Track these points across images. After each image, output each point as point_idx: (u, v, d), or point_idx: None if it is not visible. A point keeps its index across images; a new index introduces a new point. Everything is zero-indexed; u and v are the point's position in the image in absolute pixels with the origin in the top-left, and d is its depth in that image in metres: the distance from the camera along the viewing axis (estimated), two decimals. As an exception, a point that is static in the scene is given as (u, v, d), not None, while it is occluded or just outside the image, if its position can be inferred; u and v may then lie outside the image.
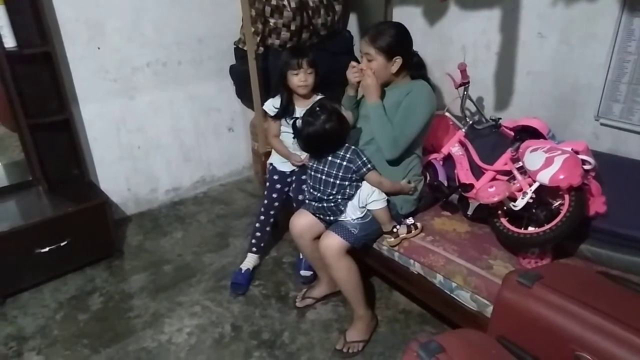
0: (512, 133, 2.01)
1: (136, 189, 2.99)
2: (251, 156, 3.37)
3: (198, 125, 3.13)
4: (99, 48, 2.57)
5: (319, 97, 2.20)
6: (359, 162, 1.81)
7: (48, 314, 2.17)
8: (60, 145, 2.51)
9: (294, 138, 1.91)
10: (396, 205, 1.96)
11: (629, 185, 1.74)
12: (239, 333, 2.04)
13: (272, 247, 2.60)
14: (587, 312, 1.16)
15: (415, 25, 2.58)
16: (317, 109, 1.79)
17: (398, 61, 1.90)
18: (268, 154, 2.44)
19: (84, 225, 2.38)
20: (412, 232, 1.92)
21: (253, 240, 2.38)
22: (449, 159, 2.18)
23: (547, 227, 1.62)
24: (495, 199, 1.73)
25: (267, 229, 2.38)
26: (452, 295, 1.74)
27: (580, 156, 1.67)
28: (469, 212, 1.96)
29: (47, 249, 2.26)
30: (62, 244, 2.30)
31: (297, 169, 2.27)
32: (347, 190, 1.84)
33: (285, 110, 2.21)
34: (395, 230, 1.90)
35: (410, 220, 1.95)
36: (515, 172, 1.84)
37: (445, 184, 2.10)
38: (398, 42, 1.89)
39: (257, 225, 2.37)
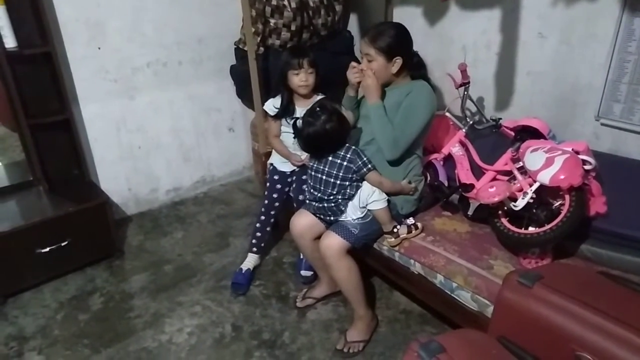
0: (512, 133, 2.01)
1: (136, 189, 2.99)
2: (251, 156, 3.37)
3: (198, 126, 3.13)
4: (99, 48, 2.57)
5: (320, 97, 2.20)
6: (360, 162, 1.81)
7: (49, 314, 2.17)
8: (60, 145, 2.52)
9: (294, 138, 1.91)
10: (397, 205, 1.96)
11: (630, 186, 1.74)
12: (240, 333, 2.04)
13: (273, 247, 2.60)
14: (588, 312, 1.16)
15: (416, 25, 2.58)
16: (318, 109, 1.79)
17: (398, 61, 1.90)
18: (268, 154, 2.44)
19: (85, 225, 2.38)
20: (413, 232, 1.92)
21: (253, 241, 2.38)
22: (449, 159, 2.18)
23: (547, 227, 1.62)
24: (496, 199, 1.73)
25: (268, 229, 2.38)
26: (452, 295, 1.74)
27: (581, 156, 1.67)
28: (470, 212, 1.96)
29: (47, 249, 2.26)
30: (62, 244, 2.30)
31: (297, 169, 2.27)
32: (348, 191, 1.84)
33: (286, 110, 2.21)
34: (395, 230, 1.90)
35: (410, 221, 1.95)
36: (516, 172, 1.84)
37: (446, 184, 2.10)
38: (398, 43, 1.89)
39: (258, 225, 2.37)
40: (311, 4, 2.68)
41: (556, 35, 2.07)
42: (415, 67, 2.01)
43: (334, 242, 1.81)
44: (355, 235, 1.83)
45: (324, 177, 1.85)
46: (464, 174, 2.07)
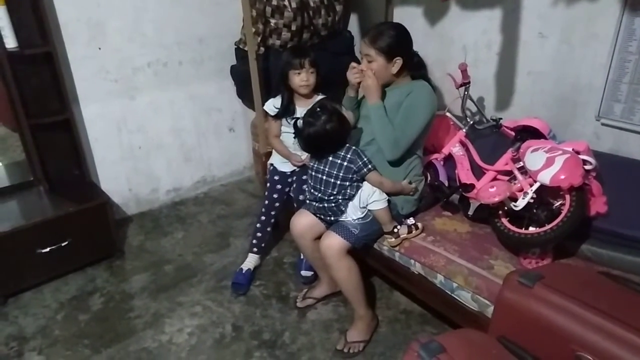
0: (512, 133, 2.01)
1: (137, 189, 2.99)
2: (252, 156, 3.37)
3: (199, 126, 3.13)
4: (99, 48, 2.57)
5: (320, 97, 2.20)
6: (360, 163, 1.81)
7: (49, 314, 2.17)
8: (61, 145, 2.52)
9: (294, 138, 1.91)
10: (397, 205, 1.96)
11: (630, 186, 1.74)
12: (240, 333, 2.04)
13: (273, 247, 2.60)
14: (588, 313, 1.16)
15: (416, 25, 2.58)
16: (318, 109, 1.79)
17: (398, 62, 1.89)
18: (269, 155, 2.44)
19: (85, 225, 2.38)
20: (413, 232, 1.92)
21: (254, 241, 2.38)
22: (449, 159, 2.17)
23: (548, 227, 1.62)
24: (496, 199, 1.73)
25: (268, 229, 2.38)
26: (453, 295, 1.74)
27: (581, 156, 1.67)
28: (470, 212, 1.96)
29: (48, 249, 2.26)
30: (63, 244, 2.30)
31: (297, 169, 2.27)
32: (348, 191, 1.84)
33: (286, 110, 2.21)
34: (396, 230, 1.90)
35: (411, 221, 1.95)
36: (516, 172, 1.84)
37: (446, 184, 2.10)
38: (398, 43, 1.88)
39: (258, 225, 2.37)
40: (311, 4, 2.68)
41: (557, 35, 2.07)
42: (415, 67, 2.01)
43: (334, 242, 1.81)
44: (355, 235, 1.83)
45: (324, 178, 1.85)
46: (465, 174, 2.07)
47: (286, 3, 2.59)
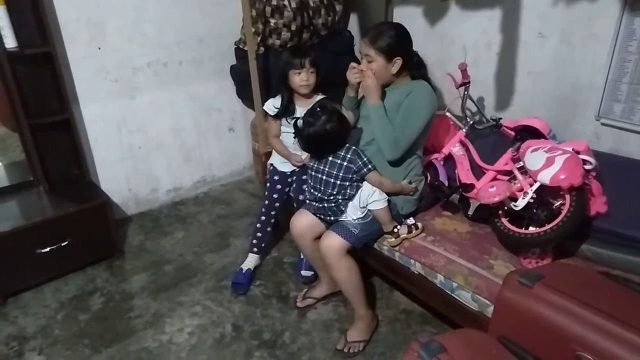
0: (512, 133, 2.01)
1: (137, 189, 2.99)
2: (252, 156, 3.37)
3: (199, 126, 3.13)
4: (99, 48, 2.57)
5: (320, 97, 2.20)
6: (360, 163, 1.81)
7: (49, 314, 2.17)
8: (61, 145, 2.52)
9: (294, 138, 1.91)
10: (397, 205, 1.96)
11: (630, 186, 1.74)
12: (240, 333, 2.04)
13: (273, 247, 2.60)
14: (588, 312, 1.16)
15: (416, 25, 2.58)
16: (318, 109, 1.79)
17: (398, 62, 1.89)
18: (269, 154, 2.44)
19: (85, 225, 2.38)
20: (413, 232, 1.92)
21: (254, 241, 2.38)
22: (449, 159, 2.18)
23: (548, 227, 1.62)
24: (496, 199, 1.73)
25: (268, 229, 2.38)
26: (453, 295, 1.74)
27: (581, 156, 1.67)
28: (470, 212, 1.96)
29: (48, 249, 2.26)
30: (63, 244, 2.30)
31: (297, 169, 2.27)
32: (348, 191, 1.84)
33: (286, 110, 2.21)
34: (396, 230, 1.90)
35: (411, 221, 1.95)
36: (516, 172, 1.84)
37: (446, 184, 2.10)
38: (398, 43, 1.88)
39: (258, 225, 2.37)
40: (311, 3, 2.68)
41: (557, 35, 2.07)
42: (415, 67, 2.01)
43: (334, 242, 1.81)
44: (355, 235, 1.83)
45: (324, 177, 1.85)
46: (464, 174, 2.07)
47: (286, 3, 2.59)
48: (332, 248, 1.81)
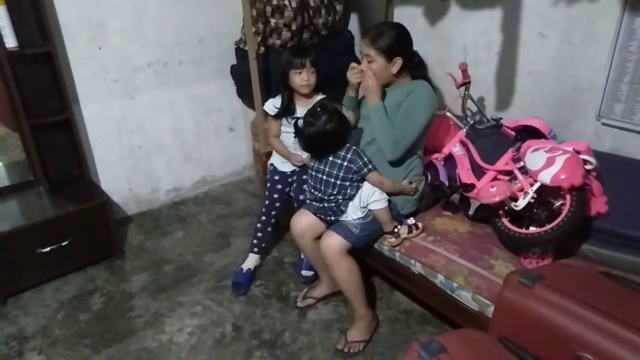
0: (513, 133, 2.01)
1: (137, 189, 2.99)
2: (252, 156, 3.37)
3: (199, 125, 3.13)
4: (100, 48, 2.57)
5: (321, 96, 2.20)
6: (360, 163, 1.81)
7: (49, 314, 2.17)
8: (61, 145, 2.52)
9: (294, 137, 1.91)
10: (397, 205, 1.96)
11: (631, 185, 1.74)
12: (240, 333, 2.04)
13: (274, 247, 2.60)
14: (589, 312, 1.16)
15: (416, 25, 2.58)
16: (318, 109, 1.79)
17: (398, 62, 1.89)
18: (269, 154, 2.44)
19: (85, 225, 2.38)
20: (413, 232, 1.92)
21: (254, 241, 2.38)
22: (450, 159, 2.17)
23: (548, 227, 1.61)
24: (497, 199, 1.73)
25: (269, 229, 2.38)
26: (453, 295, 1.74)
27: (582, 156, 1.67)
28: (470, 212, 1.96)
29: (48, 248, 2.26)
30: (63, 244, 2.30)
31: (298, 169, 2.27)
32: (348, 191, 1.84)
33: (287, 110, 2.21)
34: (396, 230, 1.90)
35: (411, 220, 1.95)
36: (517, 172, 1.84)
37: (447, 184, 2.10)
38: (398, 43, 1.88)
39: (259, 225, 2.37)
40: (312, 3, 2.68)
41: (557, 35, 2.07)
42: (415, 67, 2.00)
43: (334, 242, 1.81)
44: (355, 235, 1.83)
45: (324, 177, 1.85)
46: (465, 174, 2.07)
47: (286, 3, 2.59)
48: (333, 248, 1.81)
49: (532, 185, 1.73)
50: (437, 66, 2.49)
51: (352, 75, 1.96)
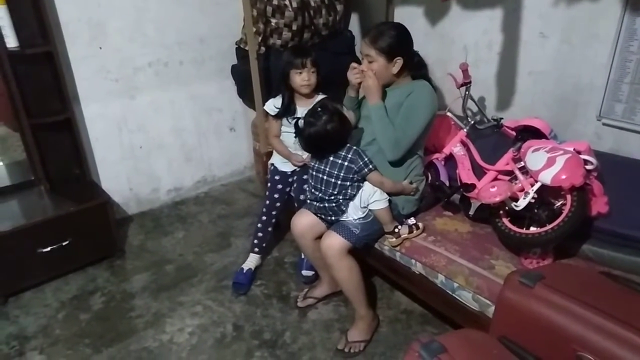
0: (513, 133, 2.01)
1: (138, 188, 2.99)
2: (253, 156, 3.37)
3: (199, 125, 3.13)
4: (100, 48, 2.57)
5: (321, 96, 2.20)
6: (361, 163, 1.81)
7: (50, 314, 2.18)
8: (62, 145, 2.52)
9: (295, 137, 1.91)
10: (398, 205, 1.96)
11: (631, 186, 1.74)
12: (241, 333, 2.04)
13: (274, 247, 2.60)
14: (589, 313, 1.16)
15: (417, 25, 2.58)
16: (319, 109, 1.79)
17: (399, 62, 1.89)
18: (269, 154, 2.44)
19: (86, 224, 2.38)
20: (414, 232, 1.92)
21: (255, 241, 2.38)
22: (450, 159, 2.17)
23: (549, 227, 1.61)
24: (497, 199, 1.73)
25: (269, 229, 2.38)
26: (453, 295, 1.74)
27: (582, 156, 1.67)
28: (471, 212, 1.96)
29: (49, 248, 2.26)
30: (63, 244, 2.30)
31: (298, 169, 2.27)
32: (349, 191, 1.84)
33: (287, 110, 2.21)
34: (396, 230, 1.90)
35: (411, 221, 1.95)
36: (517, 172, 1.84)
37: (447, 184, 2.10)
38: (399, 43, 1.88)
39: (259, 225, 2.37)
40: (312, 3, 2.67)
41: (557, 35, 2.06)
42: (416, 67, 2.00)
43: (335, 242, 1.81)
44: (356, 235, 1.83)
45: (325, 177, 1.85)
46: (465, 174, 2.07)
47: (287, 3, 2.59)
48: (333, 248, 1.81)
49: (532, 185, 1.72)
50: (438, 66, 2.49)
51: (352, 76, 1.96)
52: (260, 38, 2.62)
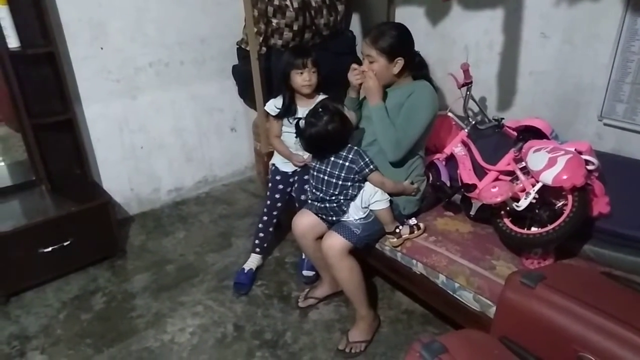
0: (515, 133, 2.01)
1: (139, 189, 3.00)
2: (253, 156, 3.37)
3: (200, 125, 3.13)
4: (101, 48, 2.58)
5: (322, 96, 2.20)
6: (362, 163, 1.80)
7: (51, 314, 2.18)
8: (63, 145, 2.52)
9: (296, 137, 1.91)
10: (399, 205, 1.96)
11: (633, 186, 1.74)
12: (242, 333, 2.04)
13: (275, 247, 2.61)
14: (590, 313, 1.16)
15: (418, 25, 2.58)
16: (320, 109, 1.79)
17: (400, 62, 1.89)
18: (270, 154, 2.44)
19: (87, 225, 2.39)
20: (415, 232, 1.91)
21: (256, 241, 2.38)
22: (451, 159, 2.17)
23: (550, 227, 1.61)
24: (498, 199, 1.73)
25: (270, 229, 2.38)
26: (454, 295, 1.74)
27: (584, 156, 1.67)
28: (472, 213, 1.96)
29: (50, 248, 2.27)
30: (65, 244, 2.30)
31: (299, 169, 2.27)
32: (350, 191, 1.84)
33: (288, 110, 2.21)
34: (398, 230, 1.90)
35: (412, 221, 1.95)
36: (518, 173, 1.84)
37: (448, 184, 2.10)
38: (399, 43, 1.88)
39: (260, 225, 2.37)
40: (313, 3, 2.68)
41: (559, 35, 2.06)
42: (417, 68, 2.00)
43: (336, 242, 1.81)
44: (357, 235, 1.83)
45: (326, 178, 1.85)
46: (466, 174, 2.07)
47: (288, 3, 2.59)
48: (334, 248, 1.81)
49: (533, 185, 1.72)
50: (439, 66, 2.49)
51: (353, 77, 1.95)
52: (261, 38, 2.62)
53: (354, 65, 1.96)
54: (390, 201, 1.88)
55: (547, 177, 1.64)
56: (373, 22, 2.84)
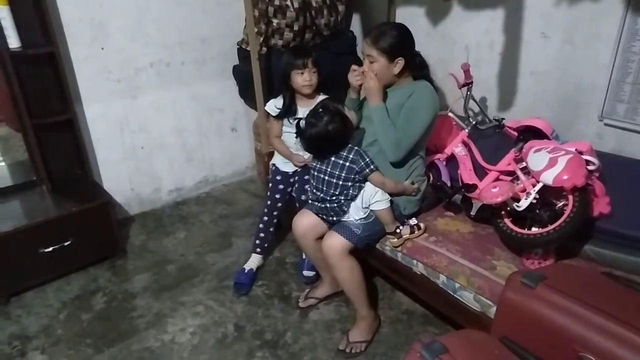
0: (515, 133, 2.01)
1: (139, 189, 3.00)
2: (254, 156, 3.37)
3: (201, 126, 3.13)
4: (102, 48, 2.58)
5: (322, 97, 2.19)
6: (362, 163, 1.80)
7: (52, 314, 2.18)
8: (64, 145, 2.52)
9: (296, 137, 1.91)
10: (399, 205, 1.95)
11: (633, 186, 1.73)
12: (242, 333, 2.04)
13: (275, 248, 2.61)
14: (591, 313, 1.16)
15: (418, 25, 2.57)
16: (321, 110, 1.79)
17: (400, 62, 1.89)
18: (271, 154, 2.44)
19: (88, 225, 2.39)
20: (415, 232, 1.91)
21: (257, 241, 2.38)
22: (452, 160, 2.17)
23: (550, 227, 1.61)
24: (499, 200, 1.73)
25: (271, 229, 2.38)
26: (455, 295, 1.74)
27: (584, 156, 1.67)
28: (472, 213, 1.95)
29: (50, 248, 2.27)
30: (65, 244, 2.31)
31: (299, 169, 2.27)
32: (350, 191, 1.84)
33: (288, 111, 2.21)
34: (398, 230, 1.90)
35: (413, 221, 1.95)
36: (519, 173, 1.84)
37: (449, 184, 2.10)
38: (400, 43, 1.88)
39: (261, 226, 2.37)
40: (314, 4, 2.68)
41: (559, 35, 2.06)
42: (417, 68, 2.00)
43: (336, 242, 1.81)
44: (357, 235, 1.83)
45: (326, 178, 1.85)
46: (467, 174, 2.06)
47: (288, 3, 2.59)
48: (335, 248, 1.81)
49: (534, 185, 1.72)
50: (439, 66, 2.49)
51: (353, 77, 1.95)
52: (261, 38, 2.62)
53: (354, 67, 1.96)
54: (391, 201, 1.88)
55: (548, 177, 1.64)
56: (373, 22, 2.84)
